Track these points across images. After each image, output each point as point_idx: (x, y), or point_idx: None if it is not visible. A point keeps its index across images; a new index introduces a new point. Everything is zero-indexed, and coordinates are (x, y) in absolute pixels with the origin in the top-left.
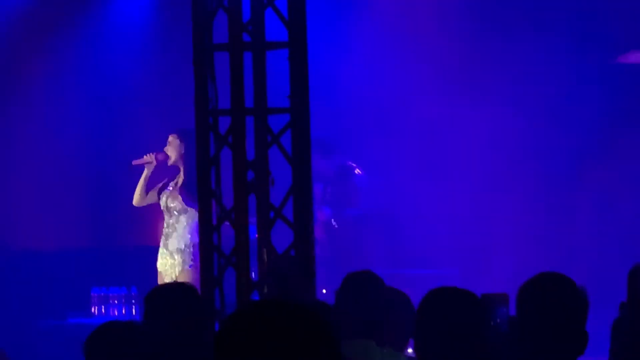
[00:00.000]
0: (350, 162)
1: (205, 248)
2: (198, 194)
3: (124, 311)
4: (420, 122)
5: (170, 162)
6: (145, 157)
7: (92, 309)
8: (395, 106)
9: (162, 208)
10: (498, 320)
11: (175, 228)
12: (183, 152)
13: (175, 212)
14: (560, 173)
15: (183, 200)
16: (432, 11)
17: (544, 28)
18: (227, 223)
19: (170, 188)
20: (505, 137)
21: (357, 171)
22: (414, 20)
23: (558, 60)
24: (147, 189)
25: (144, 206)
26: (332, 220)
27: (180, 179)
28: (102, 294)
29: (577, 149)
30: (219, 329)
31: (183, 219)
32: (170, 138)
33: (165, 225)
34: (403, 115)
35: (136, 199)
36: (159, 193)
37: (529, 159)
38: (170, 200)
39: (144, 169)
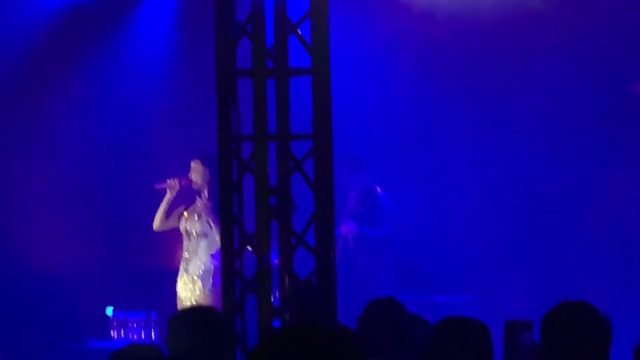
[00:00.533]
0: (376, 186)
1: (227, 273)
2: (220, 220)
3: (143, 335)
4: (441, 147)
5: (195, 187)
6: (168, 181)
7: (112, 333)
8: (417, 129)
9: (181, 232)
10: (521, 347)
11: (196, 252)
12: (209, 177)
13: (195, 236)
14: (581, 199)
15: (213, 221)
16: (455, 38)
17: (562, 55)
18: (249, 248)
19: (191, 212)
20: (526, 164)
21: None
22: (438, 45)
23: (575, 85)
24: (168, 213)
25: (164, 230)
26: (350, 238)
27: (201, 203)
28: (122, 318)
29: (596, 174)
30: (247, 355)
31: (203, 243)
32: (193, 164)
33: (184, 249)
34: (425, 139)
35: (156, 224)
36: (179, 217)
37: (549, 185)
38: (190, 225)
39: (165, 193)
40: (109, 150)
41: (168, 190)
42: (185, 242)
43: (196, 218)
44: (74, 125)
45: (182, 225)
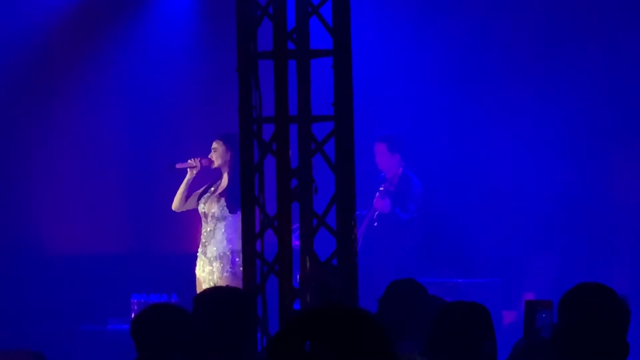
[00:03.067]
0: (410, 173)
1: (248, 255)
2: (241, 201)
3: None
4: (466, 130)
5: (214, 166)
6: (189, 161)
7: (132, 316)
8: (438, 113)
9: (200, 214)
10: (538, 326)
11: (214, 235)
12: (229, 158)
13: (213, 219)
14: (604, 183)
15: (227, 206)
16: (486, 13)
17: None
18: (270, 230)
19: (209, 194)
20: (551, 148)
21: (375, 223)
22: (466, 20)
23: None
24: (188, 194)
25: (184, 212)
26: (376, 216)
27: (221, 185)
28: (142, 300)
29: (621, 159)
30: (275, 335)
31: (221, 225)
32: (215, 144)
33: (203, 232)
34: (446, 120)
35: (175, 204)
36: (199, 199)
37: (572, 171)
38: (208, 207)
39: (186, 174)
40: (130, 132)
41: (189, 170)
42: (204, 225)
43: (214, 200)
44: (95, 108)
45: (200, 208)
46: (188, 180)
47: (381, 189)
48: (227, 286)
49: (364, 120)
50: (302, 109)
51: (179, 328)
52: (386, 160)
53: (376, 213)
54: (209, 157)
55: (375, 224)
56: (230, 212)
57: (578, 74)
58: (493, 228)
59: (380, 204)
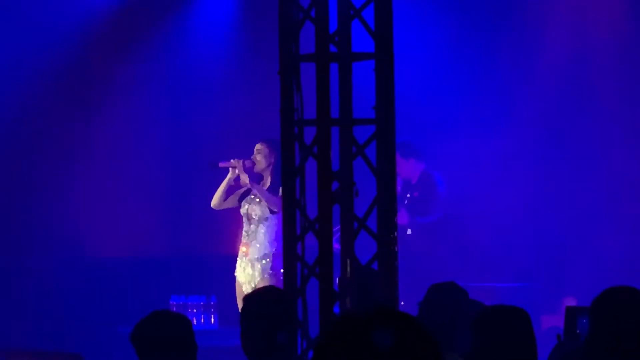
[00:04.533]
0: (433, 172)
1: (289, 258)
2: (282, 204)
3: (202, 320)
4: (505, 132)
5: (256, 170)
6: (232, 161)
7: None
8: (477, 113)
9: (242, 215)
10: (578, 331)
11: (255, 236)
12: (273, 161)
13: (255, 220)
14: None
15: (269, 207)
16: (523, 22)
17: None
18: (311, 233)
19: (252, 196)
20: (591, 150)
21: (408, 231)
22: (502, 28)
23: None
24: (228, 193)
25: (222, 214)
26: (408, 227)
27: (264, 187)
28: (182, 302)
29: None
30: (318, 337)
31: (263, 227)
32: (259, 146)
33: (244, 233)
34: (485, 123)
35: (215, 202)
36: (240, 200)
37: (611, 169)
38: (251, 208)
39: (227, 174)
40: (171, 135)
41: (230, 170)
42: (245, 226)
43: (257, 202)
44: (136, 111)
45: (243, 209)
46: (229, 180)
47: (407, 196)
48: (276, 287)
49: (404, 124)
50: (343, 112)
51: (179, 335)
52: (404, 168)
53: (406, 224)
54: (252, 158)
55: (409, 232)
56: (271, 213)
57: (617, 73)
58: (531, 232)
59: (399, 218)
